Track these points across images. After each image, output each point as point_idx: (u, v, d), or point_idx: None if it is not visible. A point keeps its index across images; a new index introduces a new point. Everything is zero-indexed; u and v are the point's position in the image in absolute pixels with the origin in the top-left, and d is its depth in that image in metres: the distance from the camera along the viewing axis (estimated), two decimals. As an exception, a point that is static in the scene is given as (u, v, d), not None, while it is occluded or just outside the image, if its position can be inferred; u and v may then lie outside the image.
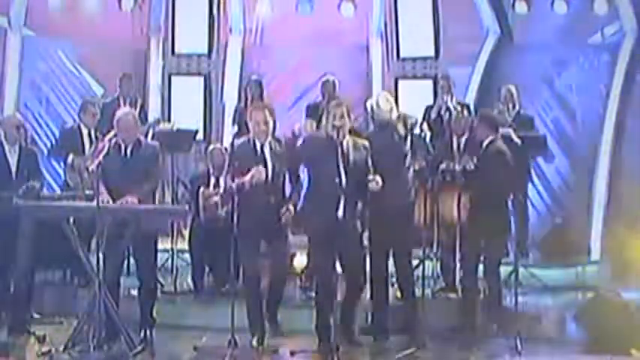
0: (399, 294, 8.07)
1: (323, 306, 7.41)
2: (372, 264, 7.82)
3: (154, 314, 7.73)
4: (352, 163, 7.31)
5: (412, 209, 7.98)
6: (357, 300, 7.62)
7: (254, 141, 7.54)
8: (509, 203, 7.98)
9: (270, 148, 7.52)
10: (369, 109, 8.01)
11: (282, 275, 7.75)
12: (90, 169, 7.47)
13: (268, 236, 7.55)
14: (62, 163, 9.48)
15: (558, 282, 9.65)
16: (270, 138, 7.57)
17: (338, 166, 7.24)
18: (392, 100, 8.04)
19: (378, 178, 7.24)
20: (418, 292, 7.76)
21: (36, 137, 11.21)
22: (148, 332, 7.66)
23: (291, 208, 7.51)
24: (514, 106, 10.21)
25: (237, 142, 7.91)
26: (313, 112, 10.11)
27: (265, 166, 7.43)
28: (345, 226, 7.22)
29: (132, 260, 8.64)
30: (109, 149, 7.34)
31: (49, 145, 10.75)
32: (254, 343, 7.42)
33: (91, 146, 9.23)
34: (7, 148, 8.26)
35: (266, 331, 7.58)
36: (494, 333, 7.95)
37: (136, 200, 7.35)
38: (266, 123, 7.52)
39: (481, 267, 8.13)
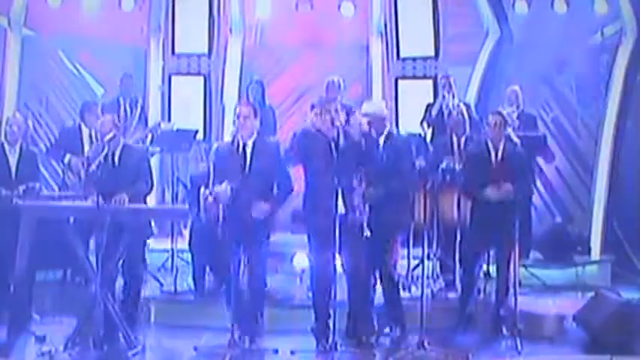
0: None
1: (320, 306, 7.42)
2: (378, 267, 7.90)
3: (138, 313, 7.71)
4: (346, 156, 7.30)
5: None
6: (363, 300, 7.59)
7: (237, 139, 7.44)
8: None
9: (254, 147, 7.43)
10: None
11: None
12: (90, 169, 7.47)
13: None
14: (61, 163, 9.47)
15: (558, 282, 9.66)
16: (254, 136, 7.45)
17: (334, 163, 7.24)
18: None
19: None
20: (417, 291, 7.75)
21: (36, 137, 11.21)
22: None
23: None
24: (518, 106, 10.22)
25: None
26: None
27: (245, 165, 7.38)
28: (346, 224, 7.20)
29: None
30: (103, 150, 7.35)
31: (48, 145, 10.74)
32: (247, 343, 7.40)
33: (90, 147, 9.23)
34: (7, 148, 8.28)
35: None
36: (493, 333, 7.98)
37: (126, 198, 7.34)
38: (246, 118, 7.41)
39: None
